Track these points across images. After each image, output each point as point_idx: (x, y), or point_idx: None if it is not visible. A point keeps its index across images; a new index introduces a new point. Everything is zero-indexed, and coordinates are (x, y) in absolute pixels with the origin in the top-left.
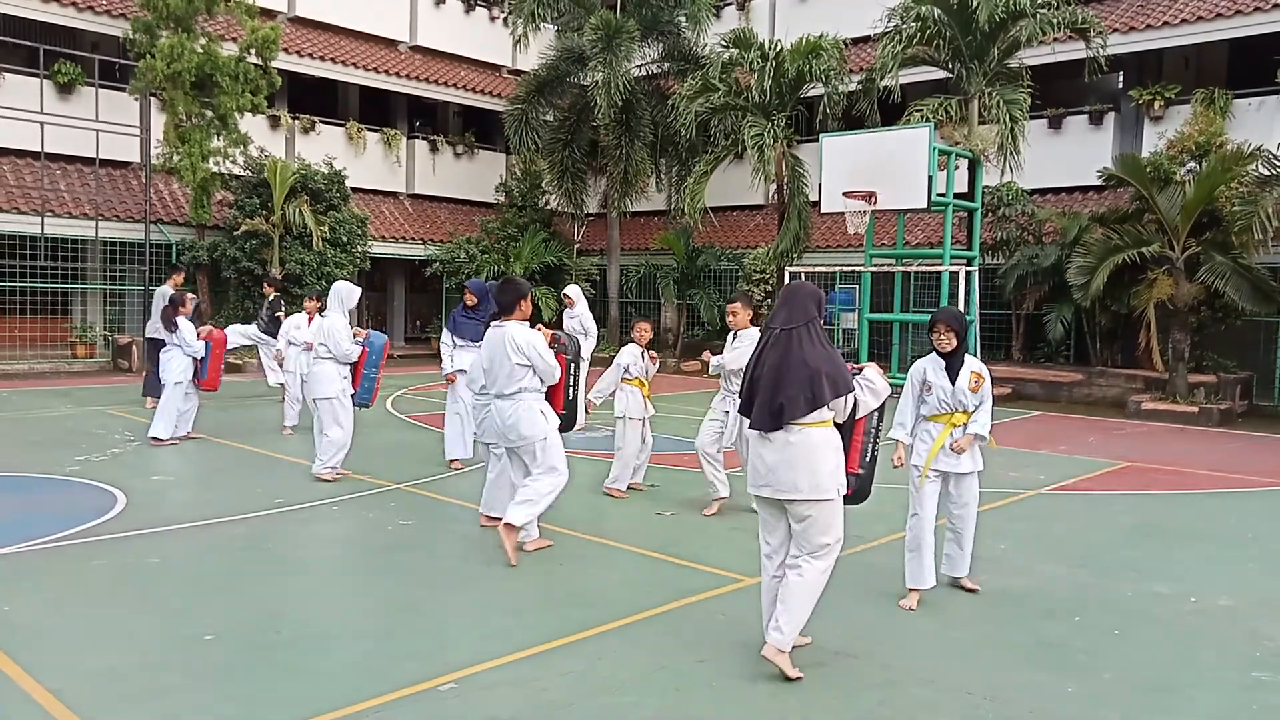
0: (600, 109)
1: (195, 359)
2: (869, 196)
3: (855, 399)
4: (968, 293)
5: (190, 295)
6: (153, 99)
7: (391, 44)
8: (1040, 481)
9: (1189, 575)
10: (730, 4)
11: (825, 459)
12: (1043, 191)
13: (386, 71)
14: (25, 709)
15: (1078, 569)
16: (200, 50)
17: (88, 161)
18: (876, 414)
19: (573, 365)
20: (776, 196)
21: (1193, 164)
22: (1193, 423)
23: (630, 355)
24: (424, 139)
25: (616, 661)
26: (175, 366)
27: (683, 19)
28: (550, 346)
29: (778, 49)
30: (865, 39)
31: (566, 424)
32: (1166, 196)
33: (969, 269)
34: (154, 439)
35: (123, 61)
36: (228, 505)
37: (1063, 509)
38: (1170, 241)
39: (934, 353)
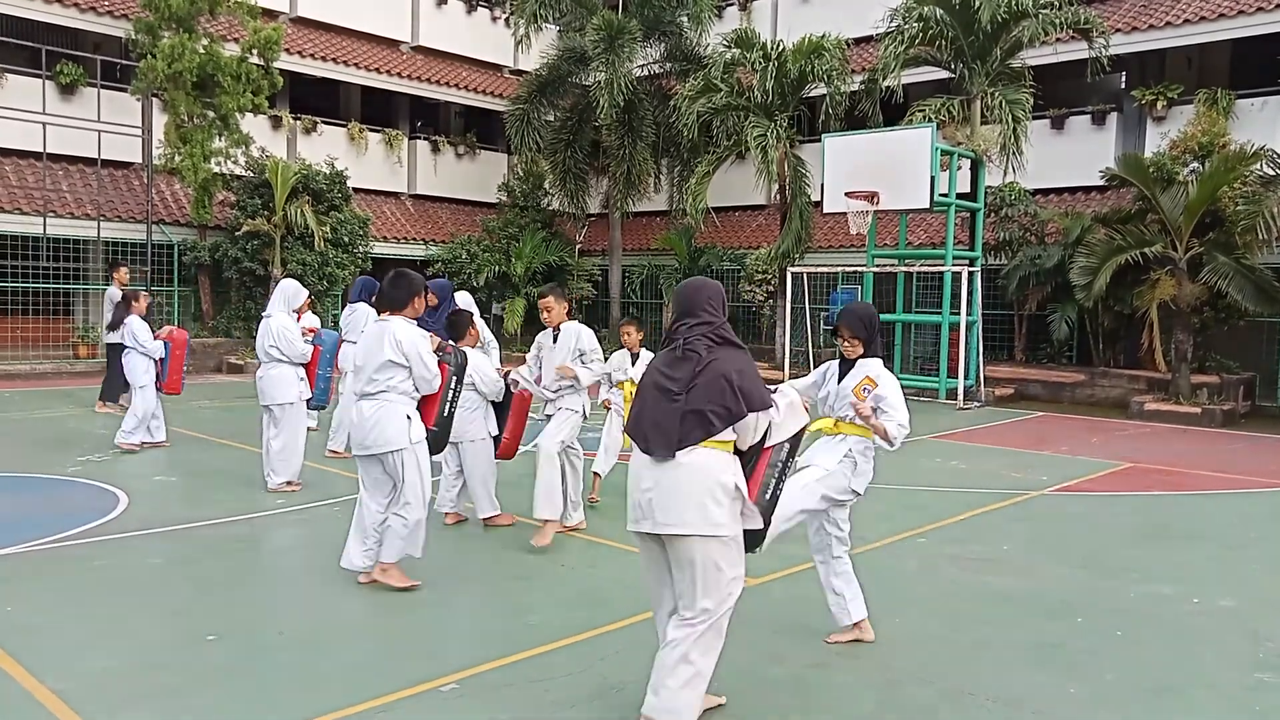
0: (602, 109)
1: (155, 360)
2: (871, 197)
3: (769, 422)
4: (970, 293)
5: (144, 293)
6: (154, 99)
7: (393, 44)
8: (1043, 482)
9: (1191, 576)
10: (732, 4)
11: (719, 488)
12: (1045, 192)
13: (388, 72)
14: (28, 709)
15: (1080, 570)
16: (202, 51)
17: (90, 162)
18: (788, 445)
19: (454, 379)
20: (779, 197)
21: (1195, 164)
22: (1195, 423)
23: (619, 361)
24: (425, 139)
25: (619, 662)
26: (138, 368)
27: (685, 19)
28: (435, 353)
29: (780, 49)
30: (867, 39)
31: (435, 444)
32: (1169, 197)
33: (971, 269)
34: (122, 443)
35: (124, 62)
36: (229, 506)
37: (1065, 510)
38: (1173, 242)
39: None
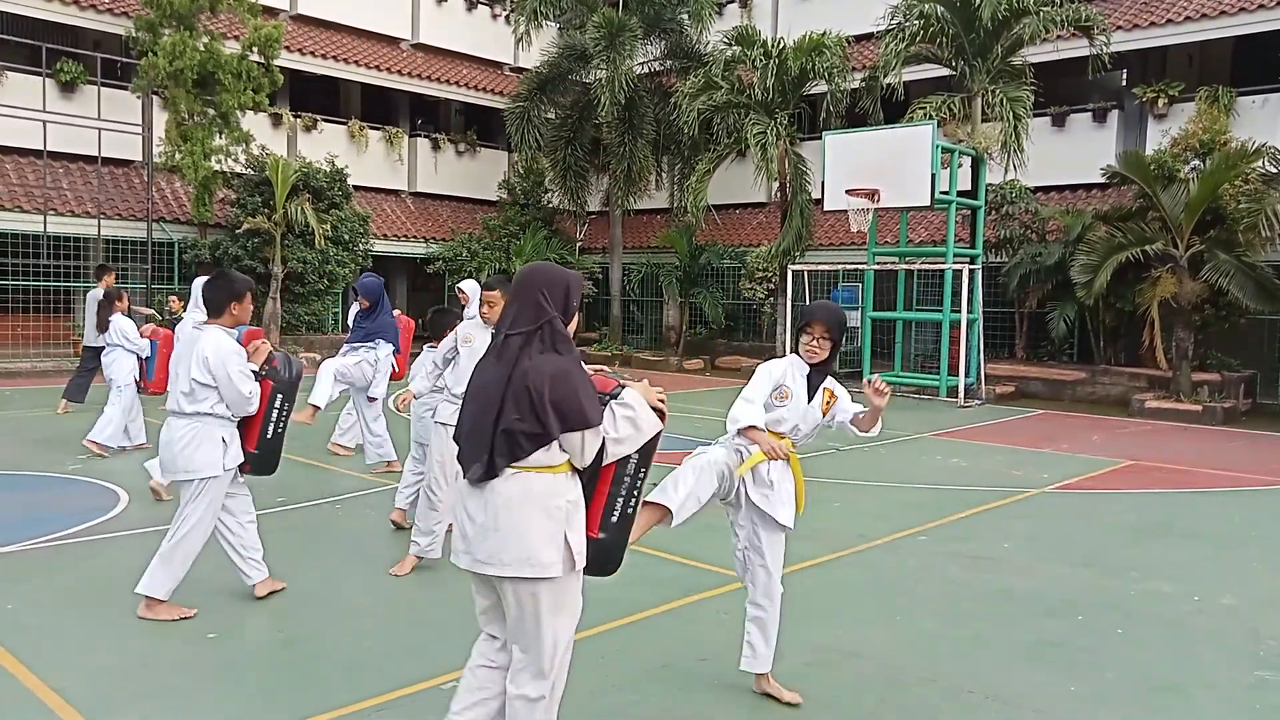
0: (603, 107)
1: (140, 358)
2: (872, 194)
3: (604, 437)
4: (971, 291)
5: (124, 293)
6: (155, 97)
7: (393, 42)
8: (1043, 480)
9: (1192, 574)
10: (732, 1)
11: (543, 519)
12: (1046, 189)
13: (388, 69)
14: (30, 707)
15: (1081, 568)
16: (203, 48)
17: (90, 160)
18: (637, 456)
19: (280, 396)
20: (779, 194)
21: (1196, 162)
22: (1196, 421)
23: None
24: (426, 137)
25: (619, 660)
26: (123, 368)
27: (685, 17)
28: (260, 370)
29: (780, 46)
30: (868, 36)
31: (259, 466)
32: (1170, 194)
33: (972, 267)
34: (94, 443)
35: (125, 60)
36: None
37: (1066, 508)
38: (1174, 239)
39: (795, 355)
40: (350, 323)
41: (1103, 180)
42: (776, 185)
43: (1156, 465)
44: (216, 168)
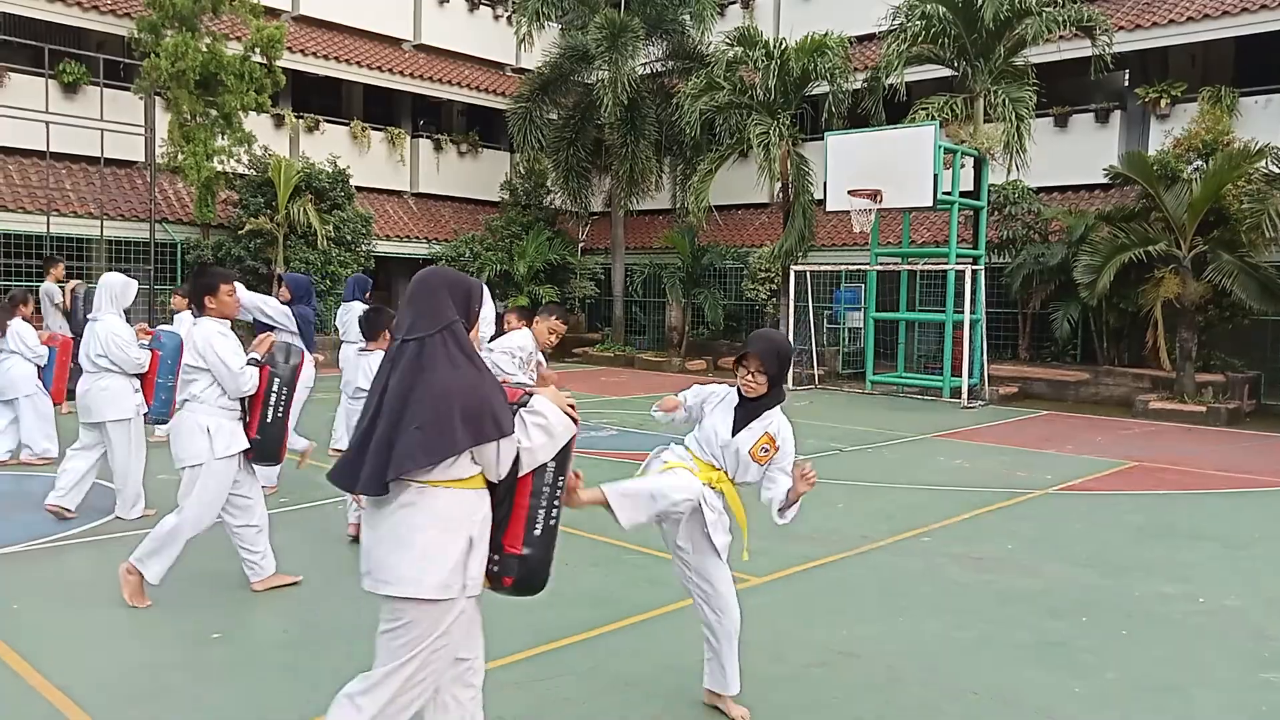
0: (605, 107)
1: (38, 366)
2: (874, 195)
3: (517, 447)
4: (974, 291)
5: (29, 297)
6: (157, 98)
7: (395, 43)
8: (1047, 481)
9: (1196, 575)
10: (734, 2)
11: (443, 537)
12: (1049, 190)
13: (390, 70)
14: (35, 706)
15: (1084, 569)
16: (205, 49)
17: (93, 161)
18: (553, 465)
19: (278, 380)
20: (781, 195)
21: (1199, 162)
22: (1200, 422)
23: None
24: (428, 138)
25: (625, 660)
26: (19, 375)
27: (687, 17)
28: (260, 358)
29: (782, 47)
30: (870, 37)
31: (262, 454)
32: (1173, 195)
33: (975, 268)
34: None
35: (128, 61)
36: None
37: (1069, 509)
38: (1177, 240)
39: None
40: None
41: (1105, 181)
42: (779, 186)
43: (1160, 466)
44: (219, 169)
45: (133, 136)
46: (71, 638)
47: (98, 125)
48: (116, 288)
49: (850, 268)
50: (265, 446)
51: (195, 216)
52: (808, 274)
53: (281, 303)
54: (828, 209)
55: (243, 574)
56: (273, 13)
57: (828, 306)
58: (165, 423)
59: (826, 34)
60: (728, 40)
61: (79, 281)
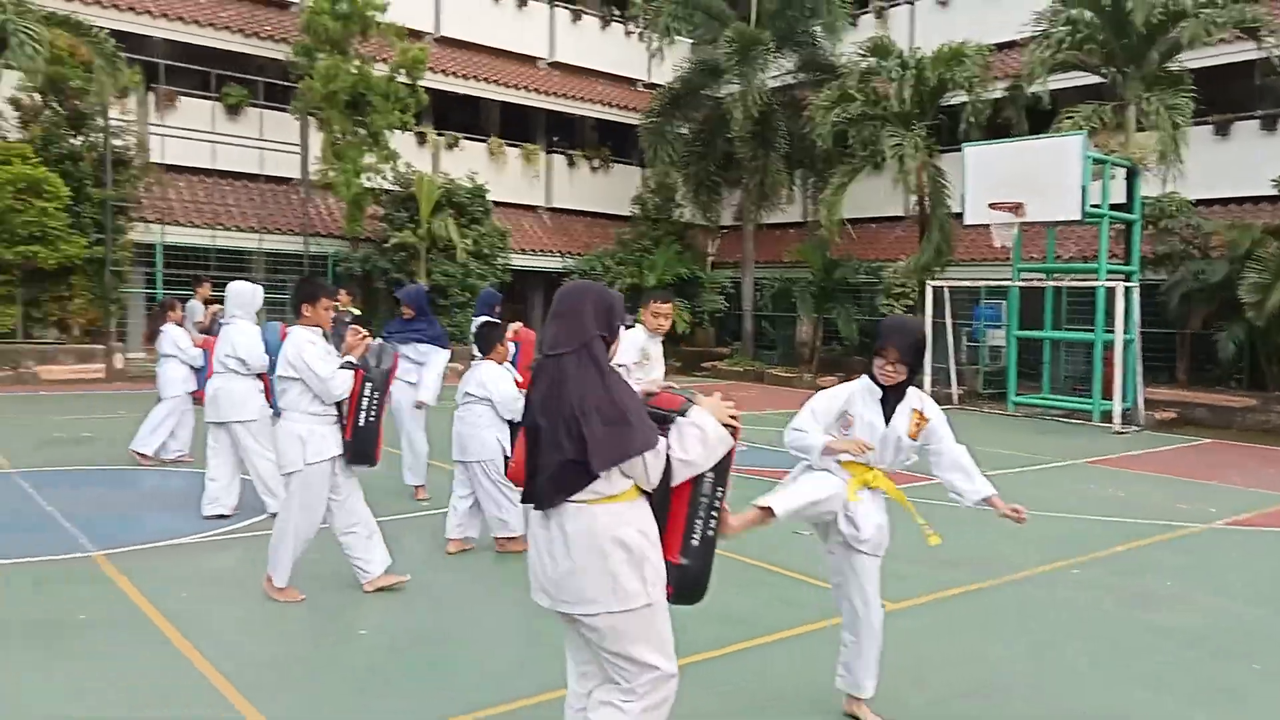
0: (735, 121)
1: (194, 369)
2: (1016, 208)
3: (672, 457)
4: (1127, 310)
5: (177, 303)
6: (311, 118)
7: (531, 61)
8: (1211, 515)
9: None
10: (868, 12)
11: (618, 550)
12: (1209, 202)
13: (526, 88)
14: (203, 690)
15: (1254, 609)
16: (354, 71)
17: (253, 178)
18: (711, 475)
19: (370, 384)
20: (917, 208)
21: None
22: None
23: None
24: (562, 153)
25: (762, 677)
26: (175, 377)
27: (819, 29)
28: (350, 359)
29: (918, 57)
30: (1011, 44)
31: (356, 455)
32: None
33: (1128, 284)
34: (138, 453)
35: (285, 84)
36: (381, 508)
37: (1237, 545)
38: None
39: (869, 377)
40: (387, 331)
41: (1274, 192)
42: (914, 199)
43: None
44: (367, 185)
45: (289, 155)
46: (235, 627)
47: (257, 144)
48: (245, 295)
49: (991, 283)
50: (360, 449)
51: (345, 230)
52: (945, 289)
53: (405, 320)
54: (966, 222)
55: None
56: (416, 34)
57: (967, 323)
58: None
59: (964, 42)
60: (861, 51)
61: (219, 308)
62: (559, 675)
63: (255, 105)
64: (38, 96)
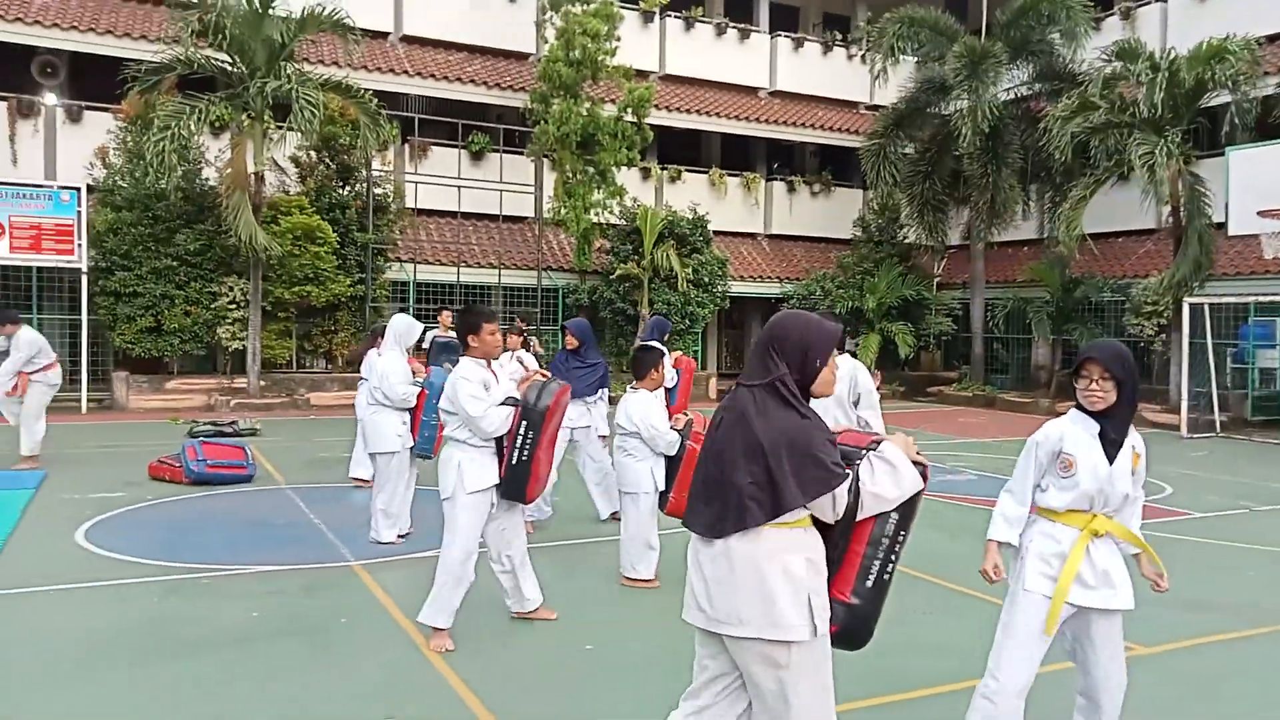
0: (964, 137)
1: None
2: None
3: (863, 490)
4: None
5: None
6: (545, 160)
7: (752, 91)
8: None
9: None
10: (1112, 14)
11: (783, 578)
12: None
13: (748, 118)
14: (442, 691)
15: None
16: (585, 113)
17: (492, 218)
18: (896, 516)
19: (525, 423)
20: (1171, 219)
21: None
22: None
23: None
24: (781, 180)
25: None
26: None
27: (1056, 36)
28: (514, 397)
29: (1171, 57)
30: None
31: (508, 490)
32: None
33: None
34: (356, 479)
35: (522, 129)
36: (581, 529)
37: None
38: None
39: (1076, 409)
40: (555, 363)
41: None
42: (1167, 210)
43: None
44: (595, 220)
45: (524, 195)
46: (475, 637)
47: (497, 187)
48: (401, 328)
49: (1261, 299)
50: (511, 486)
51: (574, 264)
52: (1205, 307)
53: (568, 351)
54: (1230, 233)
55: (615, 594)
56: (643, 74)
57: (1232, 344)
58: (428, 457)
59: (1227, 37)
60: (1104, 56)
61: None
62: None
63: (495, 150)
64: (313, 154)
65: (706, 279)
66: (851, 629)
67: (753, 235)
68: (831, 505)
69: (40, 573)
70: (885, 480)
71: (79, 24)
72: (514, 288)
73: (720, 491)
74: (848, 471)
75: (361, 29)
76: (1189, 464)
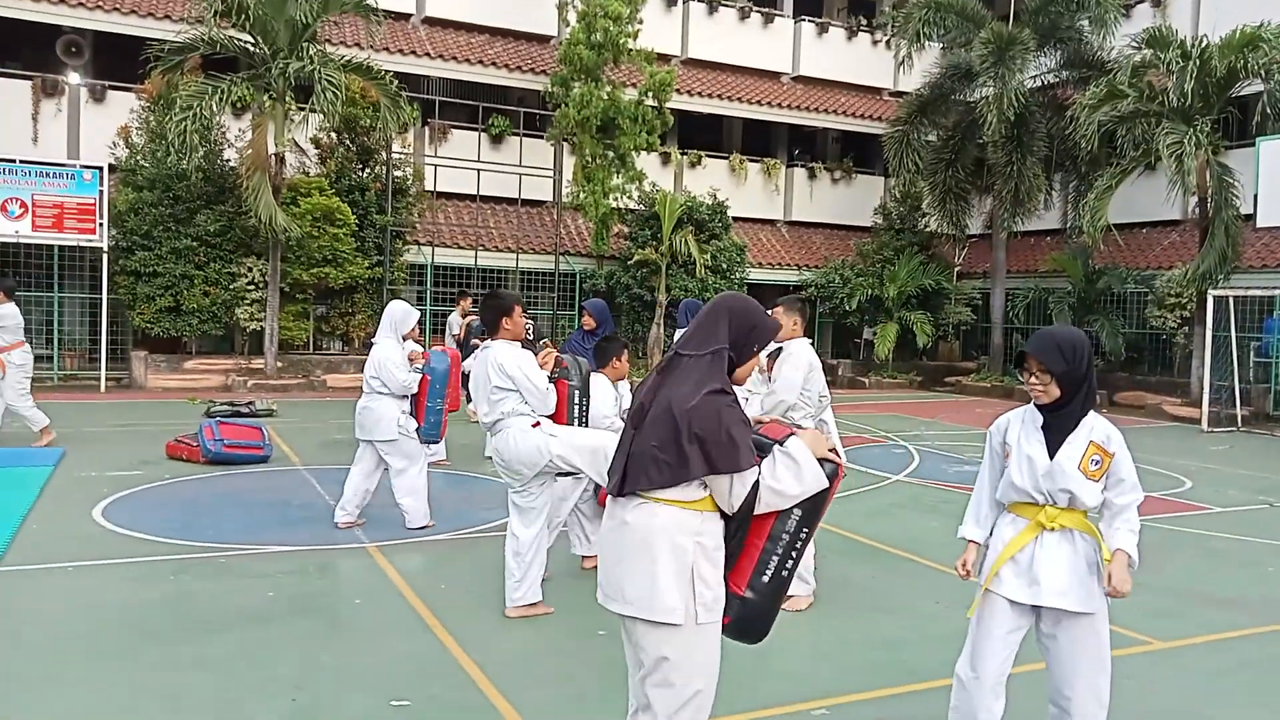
0: (989, 125)
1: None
2: None
3: (758, 483)
4: None
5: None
6: (564, 144)
7: (774, 76)
8: None
9: None
10: (1143, 1)
11: (668, 557)
12: None
13: (769, 103)
14: (456, 675)
15: None
16: (605, 97)
17: (511, 202)
18: (799, 513)
19: (578, 393)
20: (1197, 211)
21: None
22: None
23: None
24: (802, 166)
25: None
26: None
27: (1085, 23)
28: (553, 373)
29: (1203, 44)
30: None
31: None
32: None
33: None
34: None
35: (542, 112)
36: None
37: None
38: None
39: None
40: (572, 342)
41: None
42: (1194, 200)
43: None
44: (613, 205)
45: (543, 179)
46: (486, 621)
47: (516, 170)
48: (397, 315)
49: None
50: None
51: (592, 249)
52: (1229, 299)
53: (585, 332)
54: (1258, 225)
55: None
56: (664, 58)
57: (1255, 337)
58: (436, 442)
59: (1261, 25)
60: (1134, 43)
61: (475, 318)
62: (785, 693)
63: (515, 134)
64: (334, 136)
65: (725, 265)
66: (745, 622)
67: (772, 222)
68: (729, 489)
69: (58, 550)
70: (786, 476)
71: (103, 3)
72: (531, 272)
73: (634, 451)
74: (756, 463)
75: (384, 10)
76: (1210, 458)
